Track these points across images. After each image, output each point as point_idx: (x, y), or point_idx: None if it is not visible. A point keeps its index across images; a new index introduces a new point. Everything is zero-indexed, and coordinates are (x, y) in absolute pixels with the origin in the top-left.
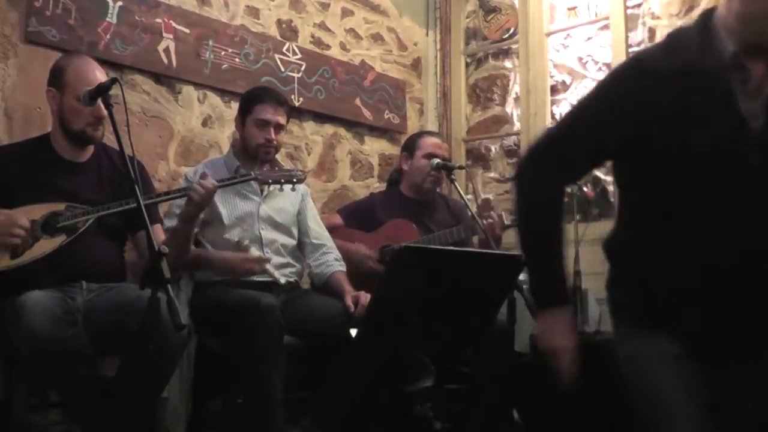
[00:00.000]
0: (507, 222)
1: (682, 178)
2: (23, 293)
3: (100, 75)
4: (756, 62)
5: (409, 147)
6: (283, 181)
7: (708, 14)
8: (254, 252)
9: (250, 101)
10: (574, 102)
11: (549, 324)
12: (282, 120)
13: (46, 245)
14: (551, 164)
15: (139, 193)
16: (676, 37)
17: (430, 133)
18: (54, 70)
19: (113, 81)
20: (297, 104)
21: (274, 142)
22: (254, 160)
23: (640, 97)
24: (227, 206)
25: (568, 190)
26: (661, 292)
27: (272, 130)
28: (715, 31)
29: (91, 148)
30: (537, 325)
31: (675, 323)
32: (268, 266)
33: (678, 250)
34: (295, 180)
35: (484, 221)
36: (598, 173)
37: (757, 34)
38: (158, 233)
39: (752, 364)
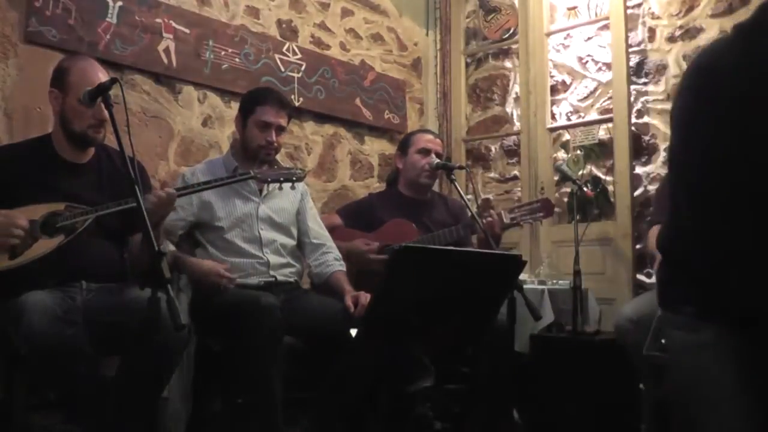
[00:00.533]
0: (506, 221)
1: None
2: (23, 293)
3: (103, 77)
4: None
5: (403, 146)
6: (282, 179)
7: None
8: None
9: (252, 102)
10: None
11: None
12: (284, 122)
13: (44, 245)
14: None
15: (139, 194)
16: (741, 29)
17: (422, 130)
18: (57, 71)
19: (113, 81)
20: (297, 104)
21: (275, 144)
22: (253, 160)
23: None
24: (226, 207)
25: (568, 189)
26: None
27: (273, 133)
28: None
29: (91, 149)
30: None
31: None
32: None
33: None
34: (294, 178)
35: (484, 220)
36: (598, 173)
37: None
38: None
39: None
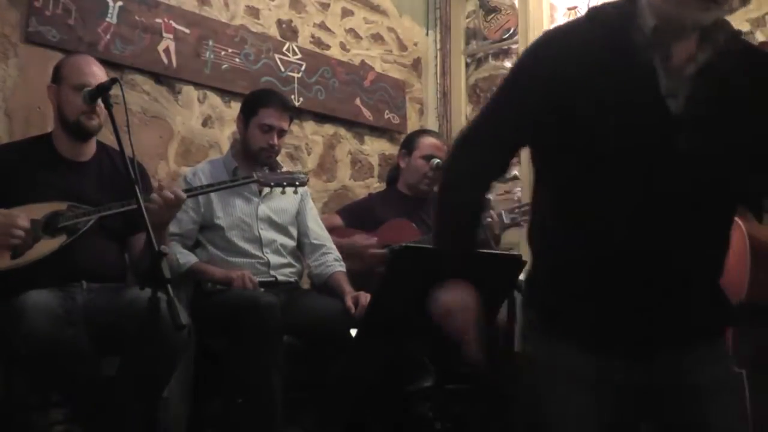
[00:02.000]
0: (506, 221)
1: (599, 159)
2: (23, 293)
3: (97, 69)
4: (679, 42)
5: (408, 145)
6: (285, 184)
7: None
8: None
9: (255, 104)
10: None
11: (453, 290)
12: (286, 125)
13: (46, 246)
14: (476, 157)
15: (139, 194)
16: (598, 11)
17: (430, 133)
18: (54, 69)
19: (113, 81)
20: (297, 104)
21: (276, 147)
22: (254, 161)
23: (558, 74)
24: (226, 207)
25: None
26: (570, 287)
27: (275, 136)
28: (639, 5)
29: (92, 148)
30: (438, 294)
31: (586, 325)
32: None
33: (593, 238)
34: (297, 183)
35: (483, 221)
36: None
37: (675, 10)
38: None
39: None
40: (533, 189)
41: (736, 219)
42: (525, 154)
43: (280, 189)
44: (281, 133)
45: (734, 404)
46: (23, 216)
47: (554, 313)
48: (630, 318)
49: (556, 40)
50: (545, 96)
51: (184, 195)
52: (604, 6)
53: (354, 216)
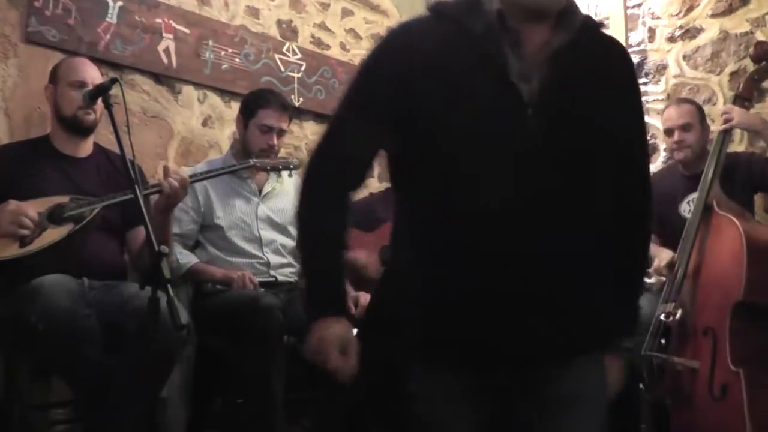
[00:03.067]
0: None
1: (457, 155)
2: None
3: (92, 70)
4: (532, 27)
5: None
6: (280, 167)
7: None
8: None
9: (254, 104)
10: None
11: (324, 331)
12: (285, 126)
13: (54, 234)
14: (335, 163)
15: (138, 192)
16: (442, 3)
17: None
18: (51, 70)
19: (113, 81)
20: (297, 104)
21: (276, 148)
22: None
23: (402, 71)
24: (226, 207)
25: None
26: (432, 298)
27: (275, 136)
28: None
29: (90, 145)
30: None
31: (452, 342)
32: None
33: (448, 240)
34: (291, 167)
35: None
36: None
37: None
38: (140, 234)
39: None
40: (394, 214)
41: (732, 217)
42: None
43: (278, 177)
44: (281, 133)
45: (591, 418)
46: (31, 208)
47: (419, 333)
48: (503, 331)
49: (399, 37)
50: (391, 97)
51: (187, 178)
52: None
53: (354, 215)
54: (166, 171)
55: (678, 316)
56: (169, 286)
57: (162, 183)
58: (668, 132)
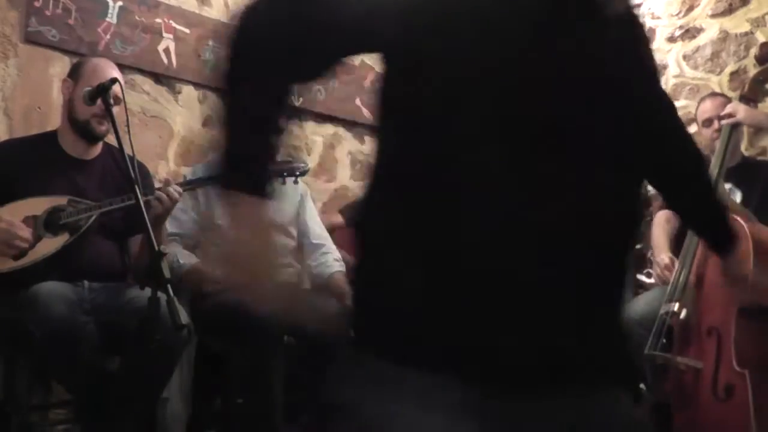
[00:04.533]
0: None
1: (461, 106)
2: (30, 287)
3: (116, 74)
4: None
5: None
6: (285, 174)
7: None
8: None
9: None
10: None
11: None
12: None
13: (49, 245)
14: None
15: (138, 193)
16: None
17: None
18: (75, 64)
19: (113, 81)
20: (297, 104)
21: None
22: None
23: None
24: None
25: None
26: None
27: None
28: None
29: (98, 148)
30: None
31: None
32: None
33: (454, 225)
34: (298, 173)
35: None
36: None
37: None
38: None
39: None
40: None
41: (738, 218)
42: None
43: (283, 181)
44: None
45: None
46: (25, 228)
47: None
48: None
49: None
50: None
51: (179, 189)
52: None
53: (353, 216)
54: (167, 184)
55: (682, 315)
56: (169, 286)
57: (159, 195)
58: (707, 122)
